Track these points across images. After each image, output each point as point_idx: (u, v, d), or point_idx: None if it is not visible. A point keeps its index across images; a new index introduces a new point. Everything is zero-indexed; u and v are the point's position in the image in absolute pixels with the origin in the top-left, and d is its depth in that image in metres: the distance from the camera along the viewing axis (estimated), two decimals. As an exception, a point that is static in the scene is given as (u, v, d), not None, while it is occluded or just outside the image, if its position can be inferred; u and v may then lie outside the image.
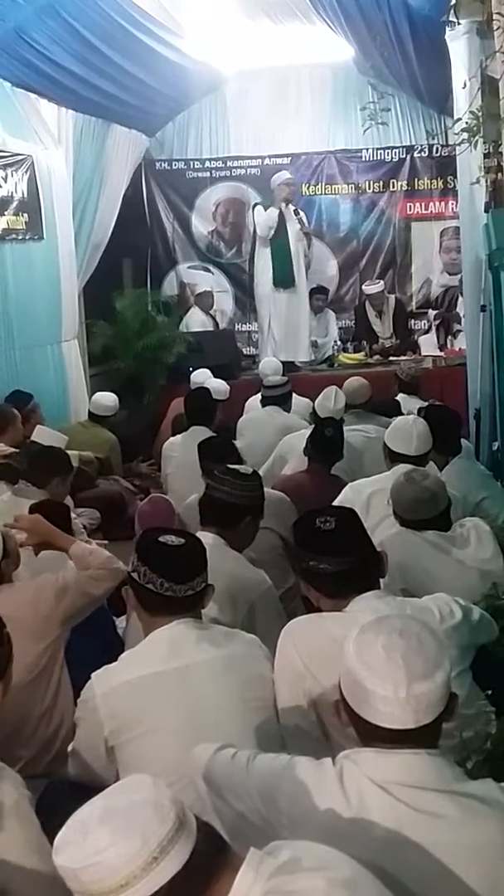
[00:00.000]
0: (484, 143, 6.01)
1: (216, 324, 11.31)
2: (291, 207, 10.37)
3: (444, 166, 10.83)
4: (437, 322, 11.31)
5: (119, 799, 1.61)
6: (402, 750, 1.94)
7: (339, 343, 10.90)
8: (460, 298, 9.96)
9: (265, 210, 10.34)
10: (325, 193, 11.65)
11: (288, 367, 9.50)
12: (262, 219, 10.35)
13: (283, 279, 10.34)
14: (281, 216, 10.29)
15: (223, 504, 3.87)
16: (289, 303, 10.37)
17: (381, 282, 11.16)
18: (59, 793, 2.87)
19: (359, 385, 7.09)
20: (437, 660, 1.96)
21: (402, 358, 10.06)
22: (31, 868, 2.17)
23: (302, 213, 10.52)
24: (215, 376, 8.58)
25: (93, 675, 2.82)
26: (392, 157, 11.48)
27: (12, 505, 4.69)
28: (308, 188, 11.58)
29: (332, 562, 2.85)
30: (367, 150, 11.40)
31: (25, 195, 8.31)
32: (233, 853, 1.63)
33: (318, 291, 11.05)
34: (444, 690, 1.95)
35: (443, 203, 11.31)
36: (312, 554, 2.89)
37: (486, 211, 6.91)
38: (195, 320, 11.18)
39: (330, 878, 1.58)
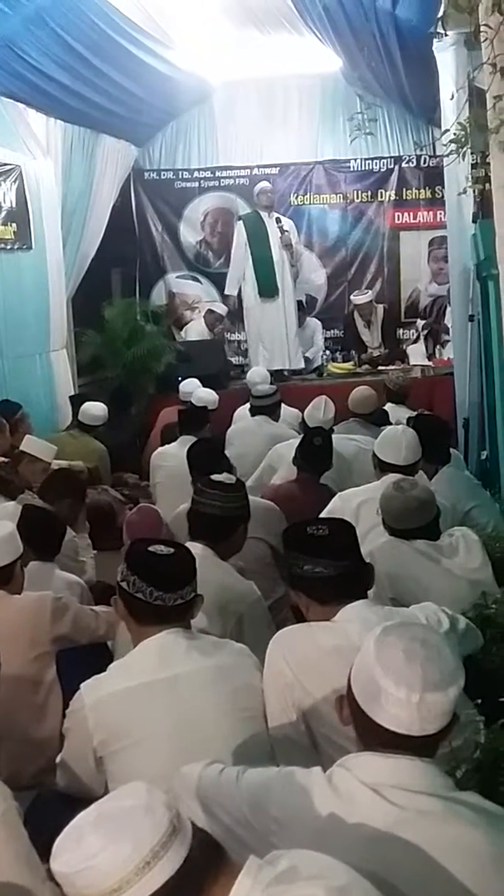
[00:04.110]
0: (472, 153, 6.03)
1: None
2: (275, 215, 10.43)
3: (432, 176, 10.86)
4: (426, 332, 11.34)
5: (113, 805, 1.63)
6: (397, 755, 1.96)
7: (327, 353, 10.92)
8: (448, 308, 9.99)
9: (245, 224, 10.40)
10: (314, 203, 11.68)
11: (276, 376, 9.53)
12: (240, 250, 10.45)
13: (267, 289, 10.35)
14: (262, 225, 10.34)
15: (216, 519, 3.86)
16: (274, 312, 10.37)
17: (370, 292, 11.19)
18: (48, 804, 2.87)
19: (368, 394, 7.12)
20: (453, 674, 1.98)
21: (391, 367, 10.07)
22: (19, 880, 2.16)
23: (285, 221, 10.53)
24: (204, 386, 8.58)
25: (82, 685, 2.81)
26: (380, 168, 11.51)
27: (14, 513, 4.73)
28: (296, 198, 11.62)
29: (328, 565, 2.86)
30: (356, 160, 11.45)
31: (14, 205, 8.32)
32: (229, 860, 1.64)
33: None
34: (453, 706, 1.97)
35: (431, 213, 11.33)
36: (309, 557, 2.89)
37: (474, 221, 6.94)
38: (194, 332, 11.24)
39: (328, 886, 1.58)
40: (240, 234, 10.58)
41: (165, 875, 1.54)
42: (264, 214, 10.43)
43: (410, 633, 2.04)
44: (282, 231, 10.30)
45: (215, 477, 4.03)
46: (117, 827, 1.56)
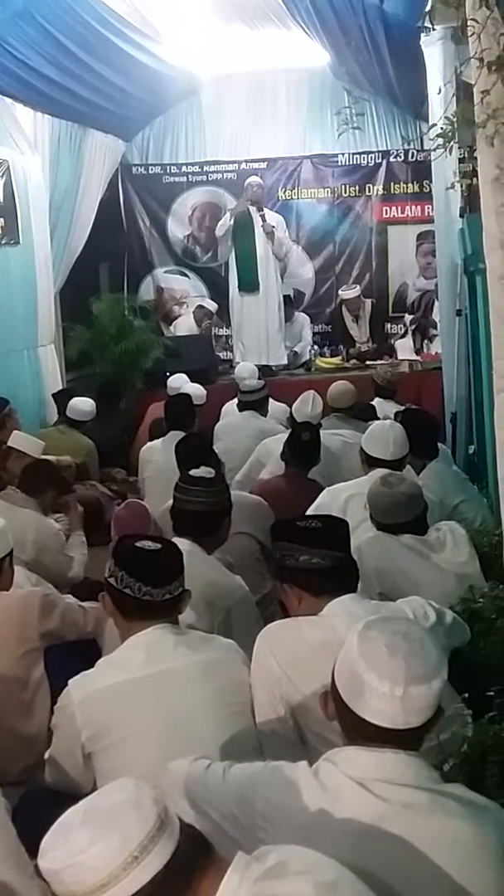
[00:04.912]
0: (459, 148, 6.02)
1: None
2: (257, 209, 10.35)
3: (420, 171, 10.84)
4: (414, 326, 11.35)
5: (101, 800, 1.63)
6: (382, 749, 1.96)
7: (315, 347, 10.92)
8: (436, 302, 10.00)
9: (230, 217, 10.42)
10: (302, 198, 11.66)
11: (265, 371, 9.52)
12: (223, 219, 10.48)
13: (248, 283, 10.33)
14: (248, 220, 10.31)
15: (200, 514, 3.85)
16: (256, 307, 10.34)
17: (358, 286, 11.18)
18: (37, 801, 2.86)
19: (345, 389, 7.14)
20: (436, 667, 1.99)
21: (379, 362, 10.05)
22: (7, 876, 2.16)
23: (272, 216, 10.49)
24: (192, 381, 8.57)
25: (70, 681, 2.82)
26: (368, 162, 11.49)
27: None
28: (284, 193, 11.60)
29: (325, 556, 2.88)
30: (343, 154, 11.43)
31: (1, 200, 8.30)
32: (217, 855, 1.65)
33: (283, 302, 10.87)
34: (437, 698, 1.98)
35: (418, 207, 11.31)
36: (305, 548, 2.90)
37: (462, 216, 6.94)
38: (183, 327, 11.25)
39: (316, 882, 1.59)
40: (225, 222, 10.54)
41: (153, 870, 1.54)
42: (252, 209, 10.39)
43: (393, 627, 2.05)
44: (263, 220, 10.26)
45: (195, 472, 4.01)
46: (105, 822, 1.57)
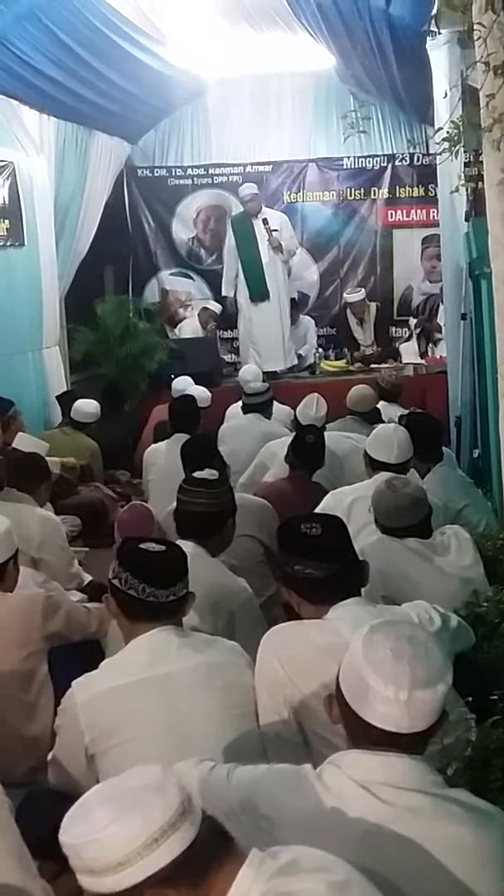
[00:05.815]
0: (465, 152, 6.03)
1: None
2: (261, 219, 10.38)
3: (426, 174, 10.85)
4: (419, 330, 11.33)
5: (127, 782, 1.64)
6: (387, 752, 1.96)
7: (320, 350, 10.93)
8: (441, 306, 9.99)
9: (234, 226, 10.46)
10: (307, 201, 11.66)
11: (269, 374, 9.55)
12: (230, 253, 10.59)
13: (257, 292, 10.38)
14: (251, 227, 10.36)
15: (203, 516, 3.85)
16: (269, 314, 10.37)
17: (363, 290, 11.19)
18: (40, 801, 2.87)
19: (366, 393, 7.15)
20: (441, 671, 1.99)
21: (383, 365, 10.06)
22: (10, 876, 2.16)
23: (275, 218, 10.51)
24: (197, 383, 8.57)
25: (73, 682, 2.81)
26: (373, 166, 11.50)
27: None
28: (289, 196, 11.62)
29: (318, 567, 2.86)
30: (349, 158, 11.43)
31: (7, 202, 8.31)
32: (236, 849, 1.65)
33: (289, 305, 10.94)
34: (441, 703, 1.98)
35: (424, 211, 11.32)
36: (299, 558, 2.89)
37: (467, 220, 6.94)
38: (188, 329, 11.26)
39: (329, 880, 1.60)
40: (230, 236, 10.60)
41: (172, 854, 1.55)
42: (254, 220, 10.41)
43: (397, 631, 2.05)
44: (269, 232, 10.28)
45: (198, 474, 4.01)
46: (128, 803, 1.58)
